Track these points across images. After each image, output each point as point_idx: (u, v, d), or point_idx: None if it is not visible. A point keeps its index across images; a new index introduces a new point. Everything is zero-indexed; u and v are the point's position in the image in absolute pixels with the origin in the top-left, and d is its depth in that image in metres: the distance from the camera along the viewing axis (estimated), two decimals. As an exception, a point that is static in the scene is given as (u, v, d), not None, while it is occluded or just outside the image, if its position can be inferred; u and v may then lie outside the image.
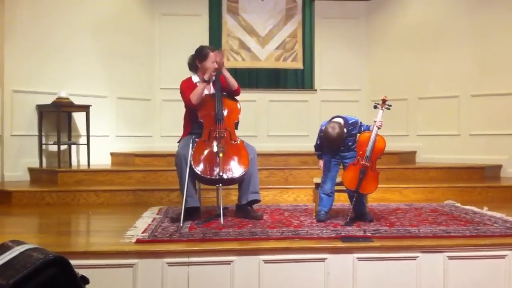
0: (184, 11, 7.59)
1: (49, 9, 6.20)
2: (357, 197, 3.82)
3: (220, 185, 3.88)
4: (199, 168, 3.84)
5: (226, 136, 3.99)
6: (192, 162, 3.84)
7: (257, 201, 4.11)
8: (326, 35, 7.91)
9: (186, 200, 3.79)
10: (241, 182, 4.03)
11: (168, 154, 6.48)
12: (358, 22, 7.90)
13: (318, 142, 4.04)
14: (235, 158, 3.93)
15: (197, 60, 4.21)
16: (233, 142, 4.01)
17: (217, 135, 3.97)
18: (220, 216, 3.85)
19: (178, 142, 4.23)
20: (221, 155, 3.83)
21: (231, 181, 3.94)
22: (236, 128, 4.16)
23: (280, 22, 7.88)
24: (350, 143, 3.90)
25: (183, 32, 7.49)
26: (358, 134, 3.90)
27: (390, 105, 3.95)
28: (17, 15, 5.93)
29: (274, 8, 7.86)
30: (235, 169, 3.91)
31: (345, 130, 3.81)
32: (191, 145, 3.90)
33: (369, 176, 3.75)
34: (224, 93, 4.23)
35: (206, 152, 3.91)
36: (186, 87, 4.19)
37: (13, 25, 5.89)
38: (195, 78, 4.26)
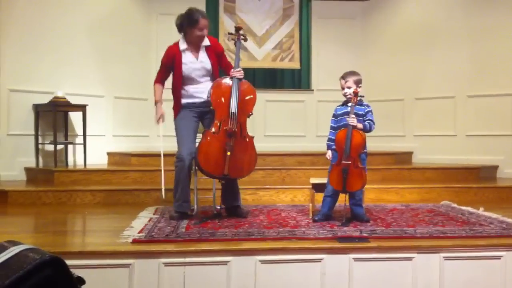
0: (181, 11, 7.47)
1: (45, 9, 6.18)
2: (350, 197, 3.83)
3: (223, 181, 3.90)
4: (203, 162, 3.79)
5: (237, 132, 3.85)
6: (197, 154, 3.81)
7: (238, 206, 4.13)
8: (323, 35, 7.91)
9: (181, 204, 3.86)
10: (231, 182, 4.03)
11: (165, 154, 6.47)
12: (354, 22, 7.91)
13: (330, 132, 4.06)
14: (243, 158, 3.86)
15: (185, 25, 4.05)
16: (243, 138, 3.90)
17: (227, 129, 3.82)
18: (216, 216, 3.86)
19: (174, 114, 4.16)
20: (228, 153, 3.75)
21: (235, 178, 3.97)
22: (249, 117, 4.02)
23: (277, 22, 7.89)
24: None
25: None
26: (336, 133, 3.87)
27: (363, 96, 3.94)
28: (13, 14, 5.91)
29: (271, 8, 7.87)
30: (241, 169, 3.87)
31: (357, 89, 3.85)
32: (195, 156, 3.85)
33: (353, 173, 3.73)
34: (243, 80, 4.03)
35: (213, 146, 3.81)
36: (166, 57, 4.09)
37: (9, 24, 5.88)
38: (182, 45, 4.10)
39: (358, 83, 3.94)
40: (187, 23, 4.02)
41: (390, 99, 7.49)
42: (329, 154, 4.01)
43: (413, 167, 6.36)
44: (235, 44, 4.16)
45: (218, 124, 3.86)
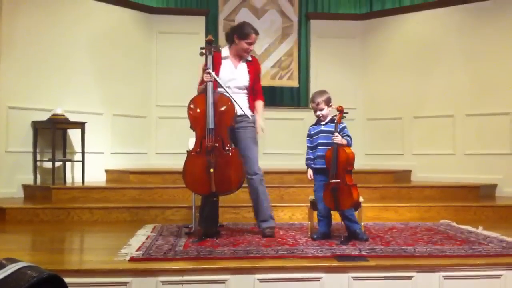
0: (181, 30, 7.62)
1: (46, 27, 6.23)
2: (342, 215, 3.82)
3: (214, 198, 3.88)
4: (190, 184, 3.80)
5: (218, 146, 3.78)
6: (183, 175, 3.80)
7: (271, 227, 4.06)
8: (321, 54, 7.95)
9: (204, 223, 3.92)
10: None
11: (163, 171, 6.48)
12: (353, 41, 7.96)
13: (307, 151, 4.05)
14: (229, 171, 3.79)
15: (235, 35, 4.10)
16: (225, 152, 3.80)
17: (208, 146, 3.76)
18: (214, 234, 3.85)
19: None
20: (211, 170, 3.70)
21: (226, 193, 3.93)
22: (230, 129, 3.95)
23: (276, 41, 7.95)
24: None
25: (180, 50, 7.51)
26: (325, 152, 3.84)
27: (347, 112, 3.87)
28: (14, 32, 5.95)
29: (271, 27, 7.93)
30: (228, 184, 3.80)
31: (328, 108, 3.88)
32: None
33: (343, 191, 3.70)
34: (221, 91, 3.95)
35: (197, 165, 3.77)
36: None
37: (10, 42, 5.92)
38: (225, 52, 4.15)
39: (328, 102, 3.94)
40: (238, 33, 4.10)
41: (389, 118, 7.52)
42: (310, 173, 4.01)
43: (412, 185, 6.35)
44: (206, 58, 3.98)
45: (199, 142, 3.83)
